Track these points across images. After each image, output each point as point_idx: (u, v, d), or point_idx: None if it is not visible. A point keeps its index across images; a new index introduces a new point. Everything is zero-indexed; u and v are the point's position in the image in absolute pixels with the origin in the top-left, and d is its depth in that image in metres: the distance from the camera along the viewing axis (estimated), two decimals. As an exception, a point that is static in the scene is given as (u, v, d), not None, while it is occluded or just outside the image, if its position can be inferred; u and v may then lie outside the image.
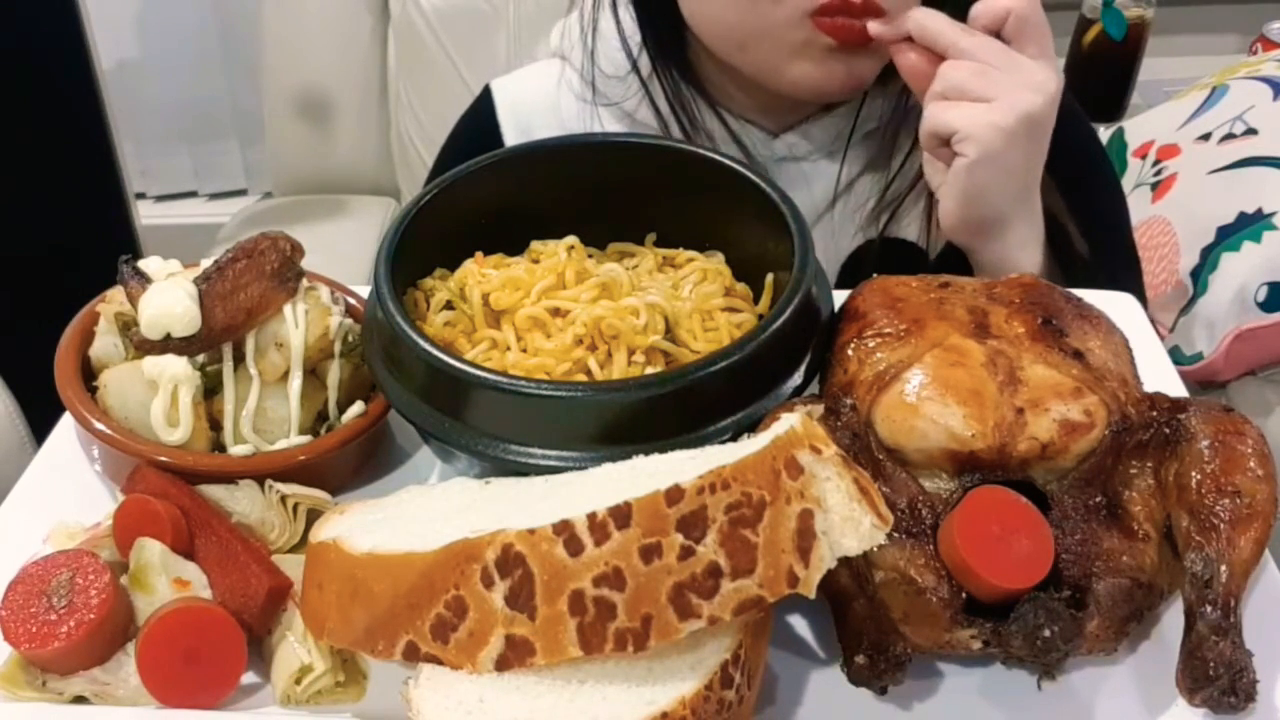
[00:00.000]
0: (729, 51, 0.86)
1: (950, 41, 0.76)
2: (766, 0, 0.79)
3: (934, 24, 0.77)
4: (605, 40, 0.94)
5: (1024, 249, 0.81)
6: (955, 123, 0.75)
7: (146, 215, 1.86)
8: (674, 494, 0.45)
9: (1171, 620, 0.56)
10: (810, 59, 0.81)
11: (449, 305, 0.67)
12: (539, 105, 0.97)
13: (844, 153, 0.92)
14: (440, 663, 0.47)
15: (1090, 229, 0.90)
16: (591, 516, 0.45)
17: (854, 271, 0.94)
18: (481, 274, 0.68)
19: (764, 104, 0.91)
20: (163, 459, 0.61)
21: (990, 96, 0.75)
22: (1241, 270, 1.37)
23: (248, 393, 0.64)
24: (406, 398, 0.61)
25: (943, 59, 0.76)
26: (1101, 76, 1.87)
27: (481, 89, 1.02)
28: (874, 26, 0.78)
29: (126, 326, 0.65)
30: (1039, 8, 0.78)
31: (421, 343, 0.59)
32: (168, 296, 0.62)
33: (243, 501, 0.60)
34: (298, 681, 0.53)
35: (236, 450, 0.63)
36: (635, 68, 0.93)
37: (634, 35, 0.93)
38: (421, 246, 0.68)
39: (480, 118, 1.00)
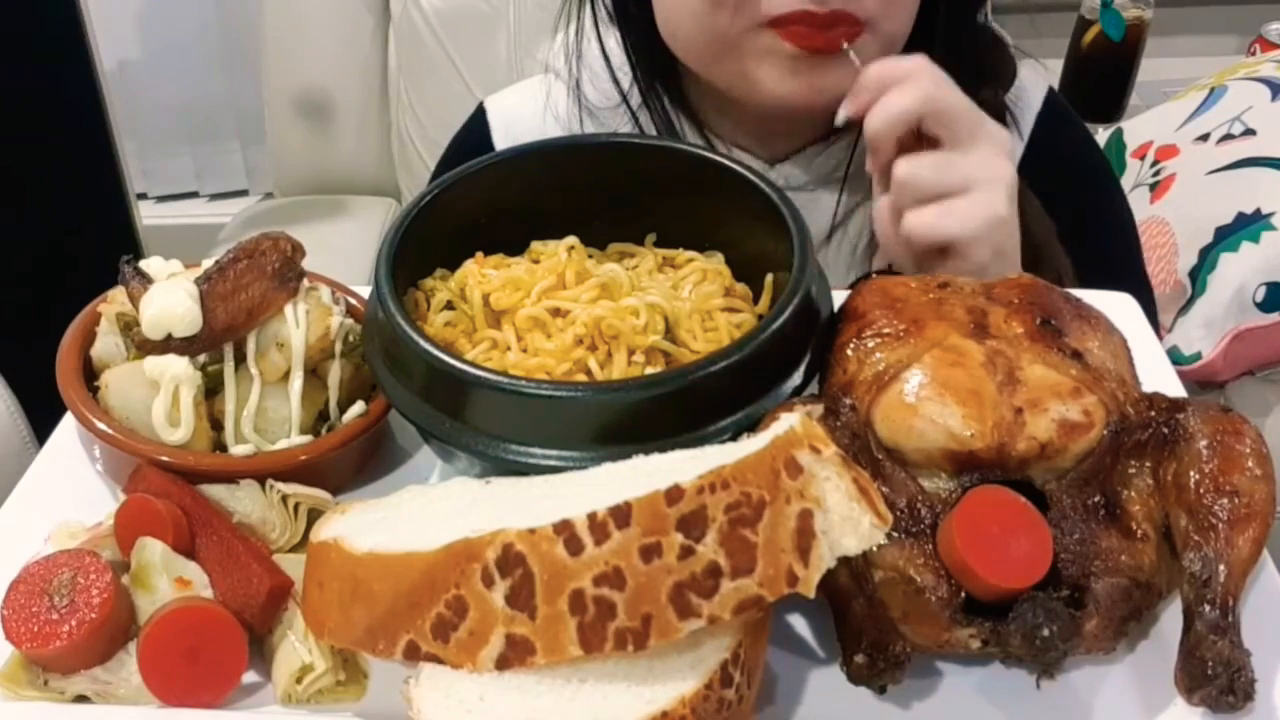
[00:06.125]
0: (703, 67, 0.85)
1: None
2: (726, 11, 0.79)
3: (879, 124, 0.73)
4: (593, 70, 0.94)
5: None
6: (951, 229, 0.71)
7: (148, 215, 1.86)
8: (674, 494, 0.45)
9: (1170, 620, 0.56)
10: (775, 66, 0.80)
11: (449, 305, 0.67)
12: (531, 125, 0.97)
13: (842, 185, 0.91)
14: (441, 662, 0.47)
15: (1105, 265, 0.89)
16: (591, 516, 0.45)
17: None
18: (482, 274, 0.68)
19: (757, 132, 0.90)
20: (164, 459, 0.61)
21: (967, 184, 0.71)
22: (1240, 270, 1.37)
23: (249, 392, 0.64)
24: (407, 398, 0.61)
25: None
26: (1100, 77, 1.87)
27: (476, 106, 1.02)
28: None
29: (128, 326, 0.65)
30: (944, 87, 0.73)
31: (422, 343, 0.59)
32: (169, 297, 0.62)
33: (244, 501, 0.60)
34: (299, 680, 0.53)
35: (237, 450, 0.63)
36: (625, 99, 0.92)
37: (622, 65, 0.93)
38: (422, 247, 0.68)
39: (474, 136, 1.01)
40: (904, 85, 0.73)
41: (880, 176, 0.76)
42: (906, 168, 0.72)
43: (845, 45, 0.78)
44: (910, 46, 0.84)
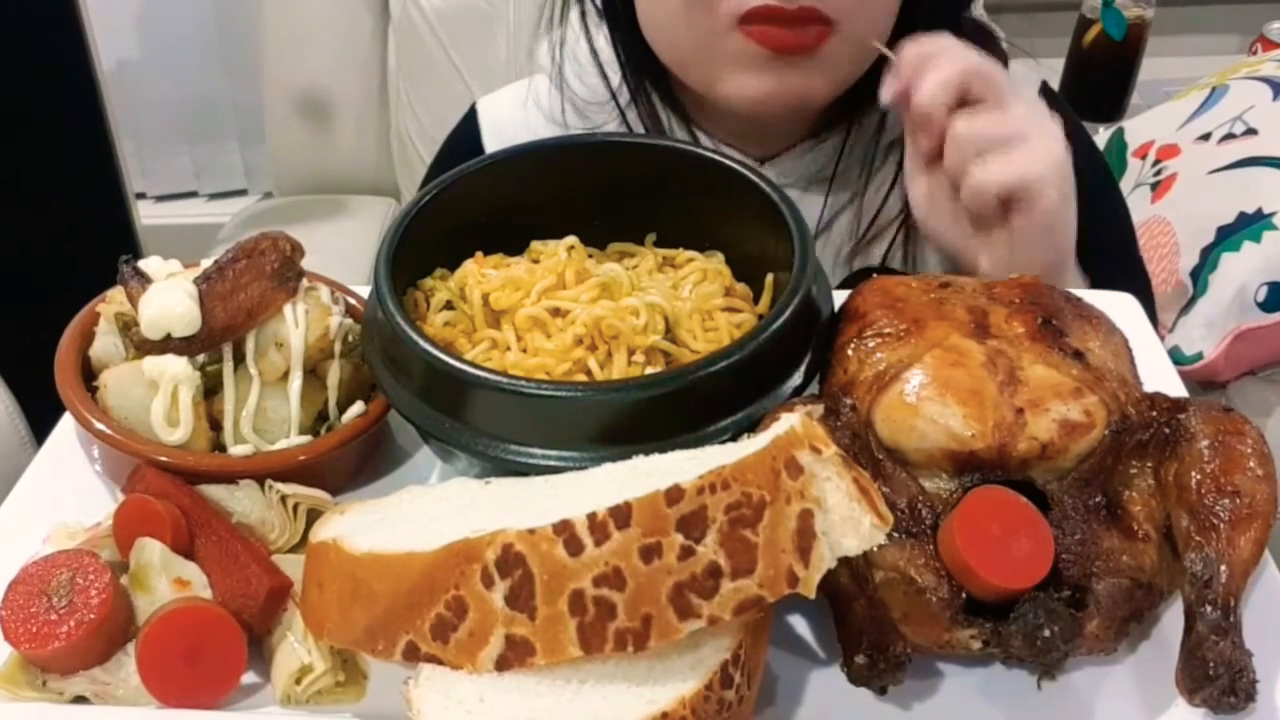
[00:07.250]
0: (681, 70, 0.86)
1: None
2: (699, 9, 0.79)
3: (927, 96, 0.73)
4: (582, 67, 0.94)
5: (1079, 279, 0.79)
6: (1021, 172, 0.71)
7: (147, 215, 1.86)
8: (674, 494, 0.45)
9: (1171, 620, 0.56)
10: (743, 69, 0.80)
11: (449, 305, 0.67)
12: (521, 125, 0.97)
13: (828, 185, 0.91)
14: (440, 662, 0.47)
15: (1103, 255, 0.89)
16: (591, 516, 0.45)
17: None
18: (481, 274, 0.68)
19: (744, 130, 0.90)
20: (163, 459, 0.61)
21: (1024, 134, 0.72)
22: (1241, 270, 1.37)
23: (248, 393, 0.64)
24: (406, 398, 0.61)
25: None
26: (1101, 76, 1.87)
27: (469, 107, 1.03)
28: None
29: (127, 326, 0.65)
30: (977, 55, 0.75)
31: (421, 343, 0.59)
32: (168, 296, 0.62)
33: (243, 501, 0.60)
34: (298, 681, 0.53)
35: (237, 450, 0.63)
36: (614, 96, 0.92)
37: (611, 62, 0.93)
38: (421, 246, 0.68)
39: (465, 138, 1.01)
40: (942, 56, 0.74)
41: (926, 158, 0.77)
42: (965, 123, 0.73)
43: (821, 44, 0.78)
44: (891, 44, 0.84)
